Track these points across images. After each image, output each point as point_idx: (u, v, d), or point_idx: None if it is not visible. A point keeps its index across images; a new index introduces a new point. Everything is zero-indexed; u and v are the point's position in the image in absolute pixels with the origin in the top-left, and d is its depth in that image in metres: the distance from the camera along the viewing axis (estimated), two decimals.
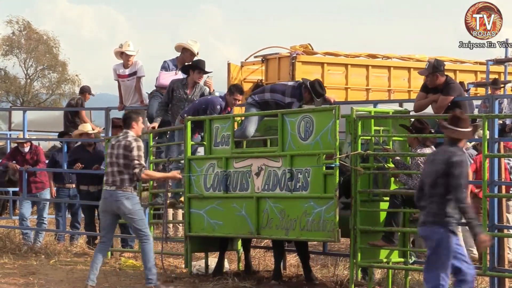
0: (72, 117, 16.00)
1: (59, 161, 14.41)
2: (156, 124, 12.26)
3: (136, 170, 9.84)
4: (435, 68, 10.38)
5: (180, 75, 12.87)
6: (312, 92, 10.77)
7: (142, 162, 9.92)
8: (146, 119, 13.56)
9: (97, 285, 10.61)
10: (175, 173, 10.51)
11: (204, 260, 11.53)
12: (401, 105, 13.05)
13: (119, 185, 9.81)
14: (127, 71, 13.69)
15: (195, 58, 12.82)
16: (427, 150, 9.55)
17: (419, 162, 9.46)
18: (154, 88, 13.31)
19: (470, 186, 12.10)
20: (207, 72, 12.41)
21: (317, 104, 10.76)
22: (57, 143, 18.12)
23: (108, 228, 10.10)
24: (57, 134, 15.67)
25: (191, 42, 13.05)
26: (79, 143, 14.29)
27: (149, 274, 9.86)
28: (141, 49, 13.75)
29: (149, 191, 12.62)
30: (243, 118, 11.25)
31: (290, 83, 11.24)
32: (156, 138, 12.86)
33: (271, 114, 10.78)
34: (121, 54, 13.68)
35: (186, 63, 12.77)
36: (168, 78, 12.95)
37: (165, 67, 13.18)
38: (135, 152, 9.81)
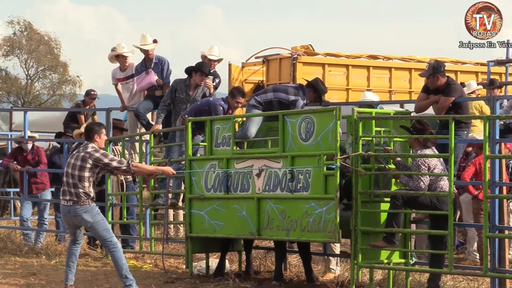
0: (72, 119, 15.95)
1: (56, 162, 14.43)
2: (159, 126, 12.31)
3: (123, 168, 9.65)
4: (435, 69, 10.37)
5: (151, 73, 13.17)
6: (318, 89, 10.88)
7: (117, 159, 9.77)
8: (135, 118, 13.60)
9: (98, 286, 10.62)
10: (169, 168, 10.35)
11: (205, 261, 11.53)
12: (402, 106, 13.05)
13: (76, 199, 9.56)
14: (124, 75, 13.70)
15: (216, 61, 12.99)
16: (428, 151, 9.54)
17: (419, 163, 9.45)
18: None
19: (470, 188, 12.14)
20: (208, 75, 12.42)
21: (317, 100, 10.89)
22: (57, 144, 18.07)
23: (75, 234, 9.92)
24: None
25: (210, 51, 13.03)
26: (75, 144, 14.29)
27: (126, 281, 9.64)
28: (139, 51, 13.73)
29: (149, 192, 12.61)
30: (244, 119, 11.26)
31: (290, 84, 11.31)
32: (161, 139, 12.91)
33: (272, 115, 10.80)
34: (117, 57, 13.67)
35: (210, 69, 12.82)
36: (140, 81, 13.32)
37: (136, 73, 13.46)
38: (105, 160, 9.59)
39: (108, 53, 13.90)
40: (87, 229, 9.90)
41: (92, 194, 9.66)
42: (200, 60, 12.73)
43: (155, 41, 13.45)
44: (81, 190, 9.57)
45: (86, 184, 9.59)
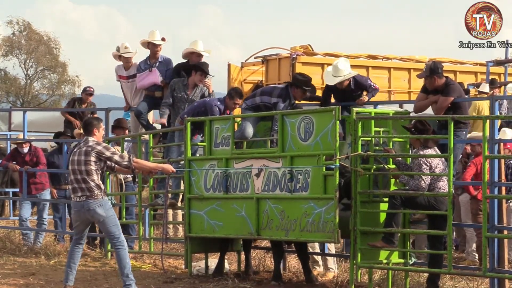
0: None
1: (55, 162, 14.43)
2: (164, 120, 12.29)
3: (124, 163, 9.63)
4: (431, 71, 10.38)
5: (156, 72, 13.00)
6: (299, 84, 10.98)
7: (118, 153, 9.75)
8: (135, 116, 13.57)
9: (97, 286, 10.62)
10: (169, 166, 10.31)
11: (204, 261, 11.53)
12: (401, 106, 13.05)
13: (89, 194, 9.53)
14: (127, 73, 13.69)
15: (202, 59, 12.83)
16: (430, 151, 9.54)
17: (421, 161, 9.44)
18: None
19: (470, 188, 12.14)
20: (208, 75, 12.41)
21: (310, 92, 11.06)
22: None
23: (82, 232, 9.89)
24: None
25: (196, 46, 12.92)
26: (74, 143, 14.27)
27: (127, 280, 9.58)
28: (142, 50, 13.73)
29: (149, 192, 12.59)
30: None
31: (280, 85, 11.38)
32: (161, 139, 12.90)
33: (270, 115, 10.80)
34: (120, 57, 13.68)
35: (191, 64, 12.73)
36: (142, 79, 13.17)
37: (139, 70, 13.32)
38: (107, 154, 9.57)
39: (109, 52, 13.94)
40: (98, 224, 9.87)
41: (103, 187, 9.68)
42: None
43: (163, 39, 13.38)
44: (92, 184, 9.55)
45: (95, 177, 9.59)
